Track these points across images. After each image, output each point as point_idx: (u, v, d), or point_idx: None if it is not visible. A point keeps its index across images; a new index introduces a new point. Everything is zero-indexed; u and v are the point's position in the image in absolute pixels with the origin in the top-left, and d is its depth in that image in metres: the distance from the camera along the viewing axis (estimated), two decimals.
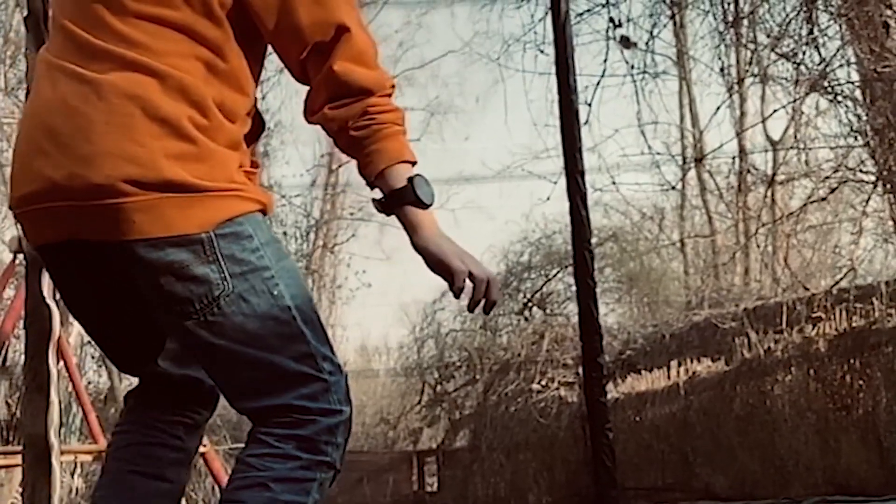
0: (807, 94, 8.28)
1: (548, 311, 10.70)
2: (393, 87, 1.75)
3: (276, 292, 1.67)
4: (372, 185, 1.74)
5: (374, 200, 1.74)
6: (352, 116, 1.70)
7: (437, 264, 1.71)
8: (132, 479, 1.83)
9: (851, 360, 6.29)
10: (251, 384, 1.68)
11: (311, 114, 1.75)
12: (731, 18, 9.00)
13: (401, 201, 1.71)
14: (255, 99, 1.82)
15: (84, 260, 1.72)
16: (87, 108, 1.63)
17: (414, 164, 1.72)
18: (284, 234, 13.74)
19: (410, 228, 1.72)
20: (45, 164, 1.64)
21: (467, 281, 1.73)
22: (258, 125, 1.83)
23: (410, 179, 1.70)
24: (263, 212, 1.73)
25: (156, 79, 1.64)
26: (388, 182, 1.70)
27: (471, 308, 1.76)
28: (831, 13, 8.02)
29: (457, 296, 1.74)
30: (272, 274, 1.67)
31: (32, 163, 1.67)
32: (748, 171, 10.44)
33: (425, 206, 1.71)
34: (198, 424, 1.90)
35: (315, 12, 1.71)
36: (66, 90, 1.67)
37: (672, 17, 9.95)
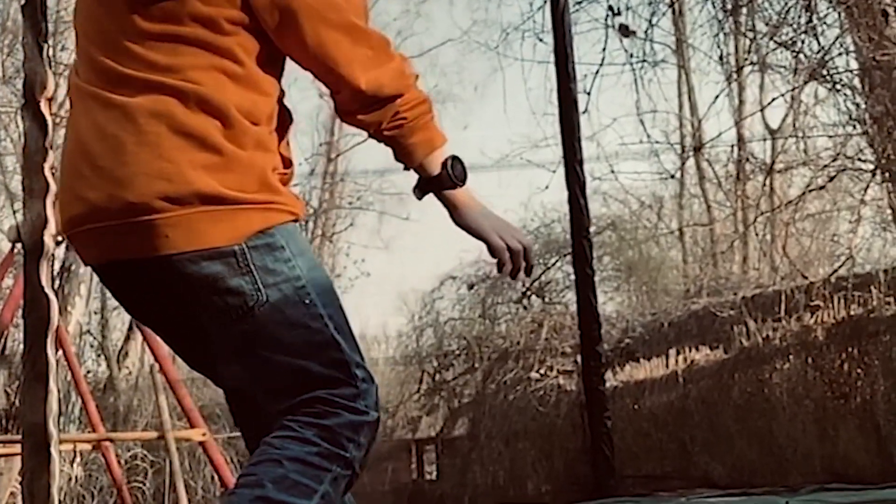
0: (805, 82, 8.26)
1: (546, 299, 10.69)
2: (416, 77, 1.83)
3: (307, 301, 1.73)
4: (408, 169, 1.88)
5: (413, 190, 1.88)
6: (384, 119, 1.79)
7: (478, 239, 1.87)
8: None
9: (849, 349, 6.29)
10: (284, 389, 1.74)
11: (344, 115, 1.84)
12: (729, 6, 8.98)
13: (440, 187, 1.86)
14: (282, 92, 1.86)
15: (130, 278, 1.79)
16: (118, 131, 1.70)
17: (444, 143, 1.86)
18: None
19: (450, 207, 1.87)
20: (85, 187, 1.72)
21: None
22: (286, 118, 1.87)
23: (444, 164, 1.84)
24: (296, 220, 1.79)
25: (175, 97, 1.70)
26: (426, 171, 1.85)
27: (512, 276, 1.90)
28: (830, 1, 8.01)
29: (500, 270, 1.89)
30: (304, 283, 1.73)
31: (74, 187, 1.75)
32: (747, 160, 10.42)
33: (460, 186, 1.86)
34: None
35: (319, 29, 1.76)
36: (99, 116, 1.74)
37: (671, 5, 9.92)
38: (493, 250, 1.86)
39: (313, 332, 1.73)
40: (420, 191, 1.88)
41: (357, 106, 1.79)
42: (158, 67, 1.71)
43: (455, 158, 1.86)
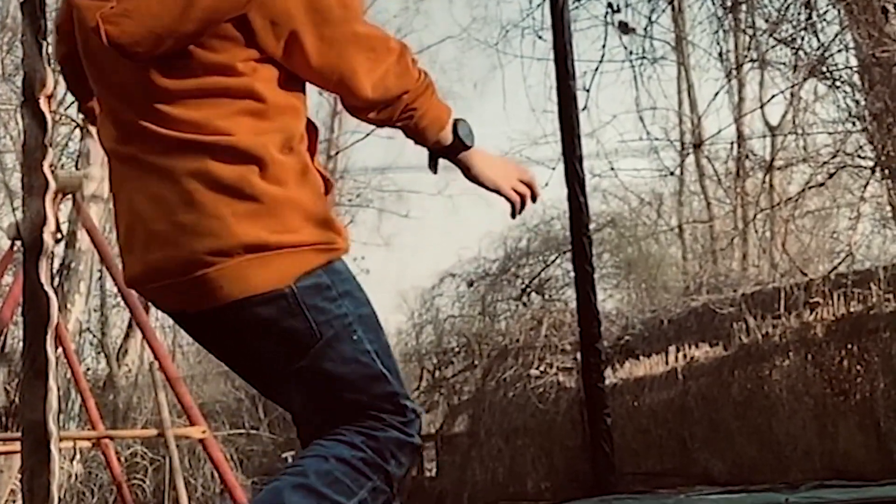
0: (805, 79, 8.27)
1: (546, 296, 10.70)
2: (416, 61, 1.87)
3: (355, 337, 1.83)
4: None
5: (429, 165, 1.97)
6: (394, 115, 1.87)
7: (491, 191, 1.99)
8: None
9: (849, 345, 6.29)
10: (336, 417, 1.83)
11: (355, 113, 1.89)
12: (729, 3, 8.99)
13: (453, 153, 1.95)
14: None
15: (198, 325, 1.90)
16: (163, 192, 1.78)
17: (451, 114, 1.94)
18: None
19: (463, 167, 1.98)
20: (142, 249, 1.83)
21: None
22: (312, 130, 1.91)
23: (455, 133, 1.92)
24: (341, 256, 1.86)
25: (207, 153, 1.75)
26: (441, 143, 1.93)
27: (519, 211, 2.05)
28: None
29: (513, 217, 2.06)
30: (351, 321, 1.83)
31: (133, 249, 1.86)
32: (746, 157, 10.43)
33: (471, 147, 1.96)
34: None
35: (322, 49, 1.80)
36: (144, 179, 1.81)
37: (670, 2, 9.93)
38: (509, 200, 2.00)
39: (363, 366, 1.82)
40: (433, 164, 1.97)
41: (366, 107, 1.86)
42: (186, 124, 1.76)
43: (463, 125, 1.94)
